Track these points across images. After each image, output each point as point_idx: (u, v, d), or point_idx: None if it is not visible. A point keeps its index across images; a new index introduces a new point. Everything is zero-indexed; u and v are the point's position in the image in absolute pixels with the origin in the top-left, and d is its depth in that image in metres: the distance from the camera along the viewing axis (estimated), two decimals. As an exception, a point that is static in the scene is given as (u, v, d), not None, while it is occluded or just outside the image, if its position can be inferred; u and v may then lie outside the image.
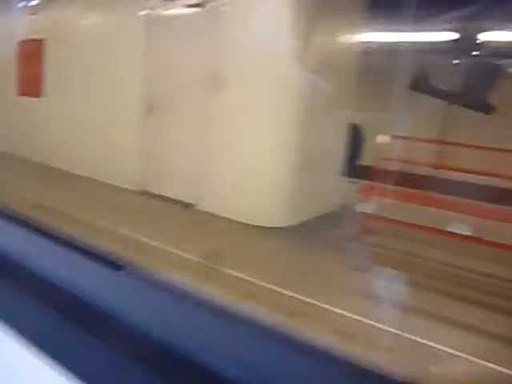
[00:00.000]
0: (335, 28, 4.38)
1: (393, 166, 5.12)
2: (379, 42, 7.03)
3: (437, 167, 5.21)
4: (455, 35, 6.10)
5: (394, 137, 4.98)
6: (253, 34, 3.85)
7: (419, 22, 5.75)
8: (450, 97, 7.55)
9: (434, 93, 7.24)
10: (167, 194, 4.52)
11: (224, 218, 4.00)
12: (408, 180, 5.09)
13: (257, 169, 4.00)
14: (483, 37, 6.07)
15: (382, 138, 4.58)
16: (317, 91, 3.95)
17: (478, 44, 6.08)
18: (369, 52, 7.19)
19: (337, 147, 4.61)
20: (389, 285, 2.91)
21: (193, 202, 4.33)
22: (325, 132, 4.18)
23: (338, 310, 2.50)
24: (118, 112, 4.94)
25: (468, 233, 3.51)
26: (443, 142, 6.52)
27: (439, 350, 2.21)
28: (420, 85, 7.12)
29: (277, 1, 3.93)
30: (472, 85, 7.25)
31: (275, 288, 2.72)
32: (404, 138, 5.13)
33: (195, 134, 4.29)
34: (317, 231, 3.95)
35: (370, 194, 4.01)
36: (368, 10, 5.36)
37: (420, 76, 7.17)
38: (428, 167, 5.20)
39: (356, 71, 4.74)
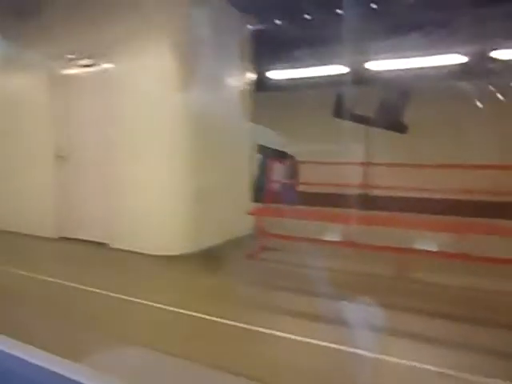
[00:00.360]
0: (223, 72, 4.88)
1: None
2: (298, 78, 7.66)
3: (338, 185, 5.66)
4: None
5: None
6: (141, 88, 4.38)
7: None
8: (367, 121, 8.27)
9: (354, 118, 7.93)
10: (83, 237, 4.83)
11: (134, 252, 4.34)
12: (311, 199, 5.60)
13: (157, 207, 4.39)
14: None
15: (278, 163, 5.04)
16: (208, 132, 4.43)
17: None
18: (286, 87, 7.90)
19: (240, 177, 5.03)
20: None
21: (107, 242, 4.66)
22: (223, 165, 4.63)
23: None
24: (32, 165, 5.24)
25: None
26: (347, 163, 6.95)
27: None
28: (341, 112, 7.83)
29: (163, 54, 4.41)
30: (386, 109, 7.98)
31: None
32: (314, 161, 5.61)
33: (103, 181, 4.69)
34: (218, 254, 4.31)
35: (260, 215, 4.38)
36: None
37: (340, 104, 7.90)
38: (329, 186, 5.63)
39: (252, 107, 5.30)
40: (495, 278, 3.38)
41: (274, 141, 7.54)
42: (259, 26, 5.41)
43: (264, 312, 3.04)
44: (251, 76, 5.39)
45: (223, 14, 4.75)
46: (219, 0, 4.71)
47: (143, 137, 4.45)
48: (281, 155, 7.72)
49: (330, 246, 4.06)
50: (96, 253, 4.59)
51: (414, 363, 2.23)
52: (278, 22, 5.34)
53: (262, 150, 6.80)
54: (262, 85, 6.23)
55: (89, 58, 4.71)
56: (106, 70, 4.64)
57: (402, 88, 7.75)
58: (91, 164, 4.82)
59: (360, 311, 2.88)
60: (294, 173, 7.48)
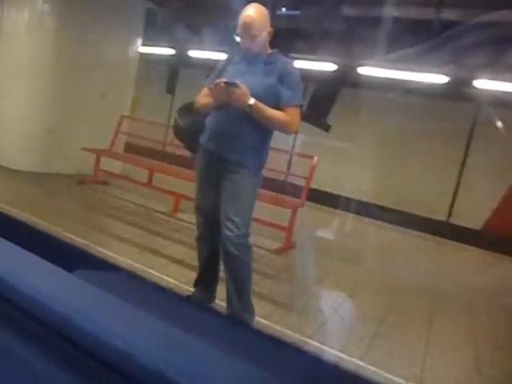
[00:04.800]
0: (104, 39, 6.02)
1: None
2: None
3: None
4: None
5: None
6: (19, 34, 5.64)
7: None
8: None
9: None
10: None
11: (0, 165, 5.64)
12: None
13: (18, 129, 5.66)
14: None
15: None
16: (69, 81, 5.68)
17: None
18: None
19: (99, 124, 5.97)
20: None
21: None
22: (79, 108, 5.79)
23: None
24: None
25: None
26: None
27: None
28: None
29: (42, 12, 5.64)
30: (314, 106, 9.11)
31: None
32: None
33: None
34: (61, 179, 5.61)
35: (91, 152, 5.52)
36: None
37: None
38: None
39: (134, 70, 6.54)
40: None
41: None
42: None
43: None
44: (138, 48, 6.58)
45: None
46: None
47: (15, 78, 5.65)
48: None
49: (140, 185, 5.35)
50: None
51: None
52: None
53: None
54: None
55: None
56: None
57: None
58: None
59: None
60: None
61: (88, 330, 0.48)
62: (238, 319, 2.38)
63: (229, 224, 2.30)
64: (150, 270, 3.04)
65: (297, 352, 0.55)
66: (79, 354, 0.48)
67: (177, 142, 2.78)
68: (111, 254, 3.30)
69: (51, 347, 0.50)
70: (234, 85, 2.17)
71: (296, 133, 2.47)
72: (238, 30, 2.33)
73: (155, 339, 0.50)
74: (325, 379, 0.59)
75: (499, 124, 6.84)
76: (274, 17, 2.45)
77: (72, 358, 0.49)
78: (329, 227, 5.92)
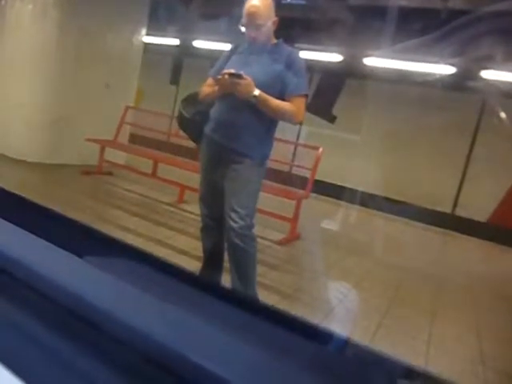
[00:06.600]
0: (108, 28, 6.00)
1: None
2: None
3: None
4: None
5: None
6: (23, 23, 5.62)
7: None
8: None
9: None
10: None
11: (5, 155, 5.64)
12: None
13: (25, 120, 5.64)
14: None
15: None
16: (73, 70, 5.67)
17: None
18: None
19: (104, 116, 5.97)
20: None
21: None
22: (85, 102, 5.77)
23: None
24: None
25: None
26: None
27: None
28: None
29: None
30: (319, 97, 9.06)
31: None
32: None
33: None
34: (66, 169, 5.61)
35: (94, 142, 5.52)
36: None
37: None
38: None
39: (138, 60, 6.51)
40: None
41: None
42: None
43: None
44: (142, 38, 6.55)
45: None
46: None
47: (19, 70, 5.66)
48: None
49: (144, 176, 5.35)
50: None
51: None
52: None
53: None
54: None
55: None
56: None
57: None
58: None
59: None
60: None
61: (102, 310, 0.50)
62: (247, 302, 2.39)
63: (233, 215, 2.30)
64: (154, 261, 3.05)
65: (304, 336, 0.57)
66: (94, 334, 0.49)
67: (181, 132, 2.76)
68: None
69: (67, 329, 0.51)
70: (238, 76, 2.15)
71: (301, 123, 2.45)
72: (243, 20, 2.31)
73: (166, 320, 0.52)
74: (330, 363, 0.59)
75: (506, 115, 6.76)
76: (278, 6, 2.42)
77: (87, 338, 0.50)
78: (333, 218, 5.92)
